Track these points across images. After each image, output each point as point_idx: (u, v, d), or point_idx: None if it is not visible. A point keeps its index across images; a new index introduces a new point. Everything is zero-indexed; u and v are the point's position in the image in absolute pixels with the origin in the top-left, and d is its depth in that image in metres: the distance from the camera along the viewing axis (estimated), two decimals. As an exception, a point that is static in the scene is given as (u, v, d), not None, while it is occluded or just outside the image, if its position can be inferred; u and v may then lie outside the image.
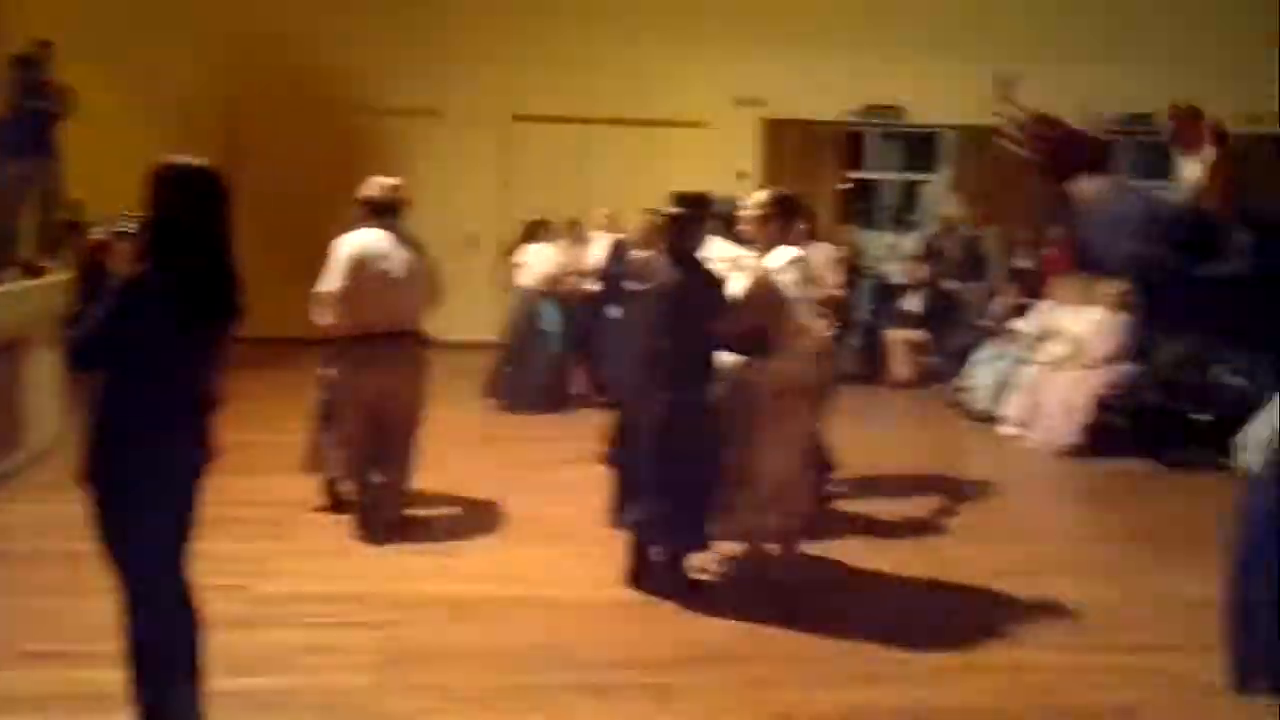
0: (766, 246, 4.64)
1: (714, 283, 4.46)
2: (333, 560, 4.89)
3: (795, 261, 4.53)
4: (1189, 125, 7.76)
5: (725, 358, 4.51)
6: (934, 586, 4.80)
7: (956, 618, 4.45)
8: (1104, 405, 7.58)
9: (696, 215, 4.59)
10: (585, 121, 11.82)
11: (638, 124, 11.87)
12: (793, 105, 11.78)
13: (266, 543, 5.04)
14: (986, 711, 3.63)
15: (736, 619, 4.28)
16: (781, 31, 11.43)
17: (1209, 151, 7.50)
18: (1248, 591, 1.50)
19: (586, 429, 7.61)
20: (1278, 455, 1.49)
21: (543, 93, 11.71)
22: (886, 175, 14.01)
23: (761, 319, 4.43)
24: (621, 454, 4.58)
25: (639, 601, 4.47)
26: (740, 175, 11.83)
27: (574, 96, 11.67)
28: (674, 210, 4.60)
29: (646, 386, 4.43)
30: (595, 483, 4.84)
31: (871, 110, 12.05)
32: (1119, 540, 5.66)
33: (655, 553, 4.59)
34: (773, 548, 4.77)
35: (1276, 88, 9.56)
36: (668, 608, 4.39)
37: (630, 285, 4.58)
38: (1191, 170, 7.63)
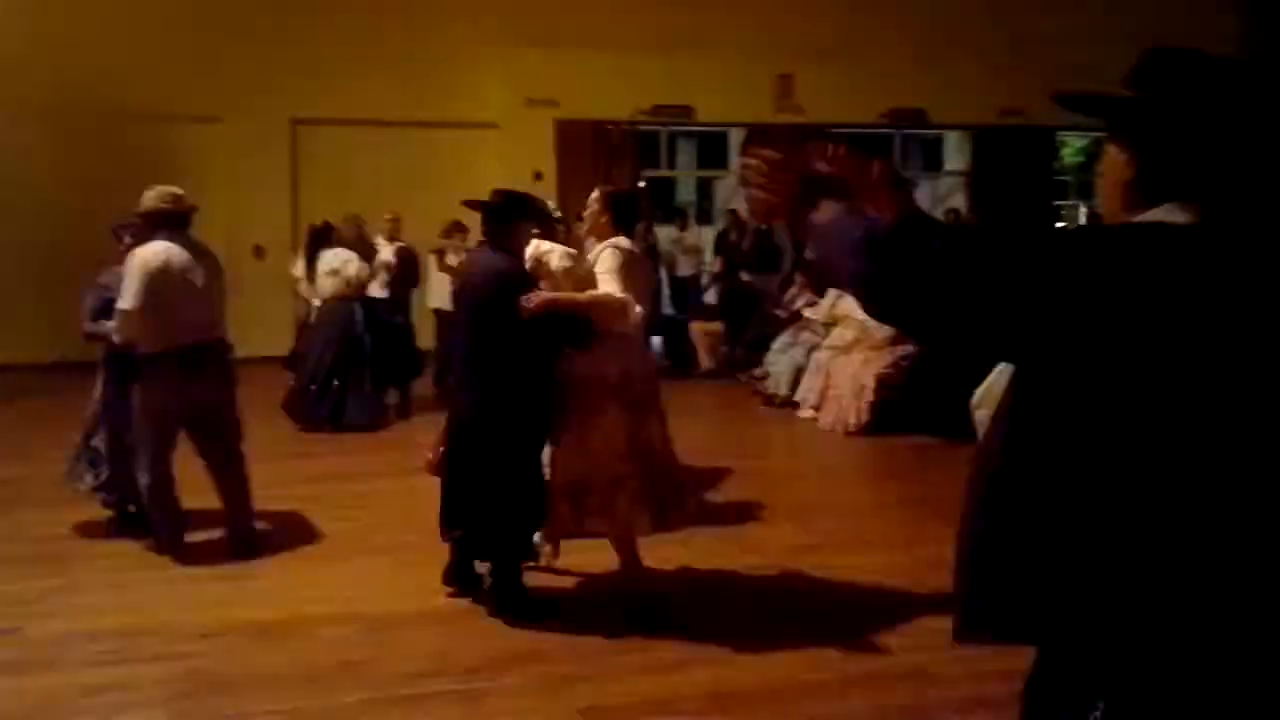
0: (602, 242, 4.53)
1: (528, 279, 4.36)
2: (113, 593, 4.58)
3: (610, 249, 4.38)
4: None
5: (548, 354, 4.36)
6: (737, 569, 4.94)
7: (761, 598, 4.60)
8: (888, 385, 8.01)
9: (513, 212, 4.49)
10: (373, 123, 11.52)
11: (428, 126, 11.69)
12: (585, 106, 11.88)
13: (37, 581, 4.68)
14: (785, 688, 3.75)
15: (550, 620, 4.28)
16: (572, 33, 11.51)
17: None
18: (966, 543, 1.61)
19: (389, 441, 7.58)
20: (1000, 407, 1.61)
21: (327, 95, 11.36)
22: (680, 173, 14.36)
23: (585, 312, 4.28)
24: (448, 462, 4.47)
25: (449, 610, 4.40)
26: (536, 176, 11.87)
27: (360, 99, 11.39)
28: (489, 204, 4.46)
29: (462, 390, 4.37)
30: (400, 494, 4.73)
31: (662, 110, 12.29)
32: (909, 509, 5.99)
33: (480, 564, 4.51)
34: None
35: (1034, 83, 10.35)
36: (479, 614, 4.34)
37: (454, 286, 4.47)
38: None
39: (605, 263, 4.31)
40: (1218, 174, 1.54)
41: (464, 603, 4.43)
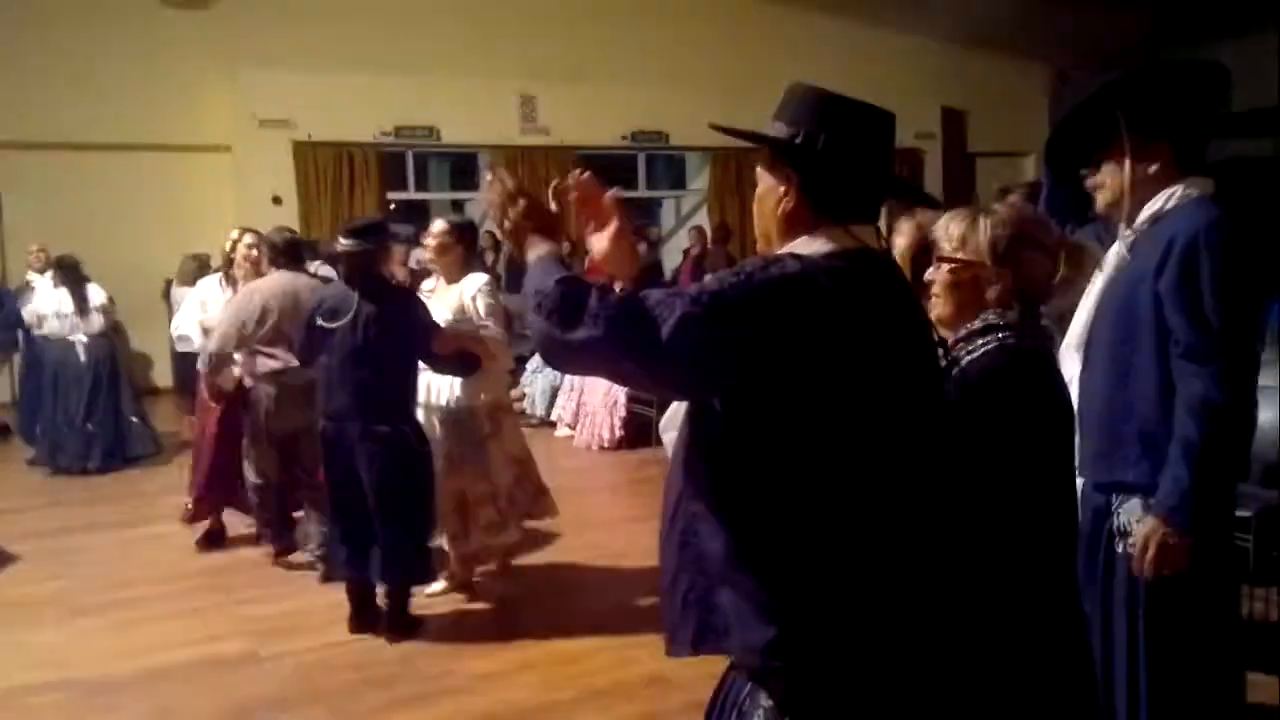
0: (448, 274, 4.72)
1: (415, 309, 4.40)
2: None
3: (485, 287, 4.66)
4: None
5: (432, 383, 4.61)
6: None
7: (509, 615, 4.61)
8: (639, 400, 8.19)
9: (381, 243, 4.41)
10: (91, 148, 10.67)
11: (155, 149, 10.96)
12: (324, 127, 11.47)
13: None
14: (531, 707, 3.75)
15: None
16: (304, 51, 11.08)
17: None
18: (663, 561, 1.68)
19: (149, 485, 7.05)
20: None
21: (38, 117, 10.44)
22: (431, 195, 14.13)
23: (464, 342, 4.46)
24: (334, 496, 4.40)
25: (169, 668, 4.14)
26: (275, 200, 11.39)
27: (76, 121, 10.53)
28: (354, 242, 4.28)
29: (352, 422, 4.20)
30: (111, 548, 4.41)
31: (405, 131, 12.07)
32: (654, 523, 6.10)
33: (379, 593, 4.46)
34: (490, 567, 5.00)
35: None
36: (203, 670, 4.10)
37: (322, 322, 4.26)
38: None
39: (486, 300, 4.61)
40: (867, 203, 1.67)
41: (185, 657, 4.18)
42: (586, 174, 1.75)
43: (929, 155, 14.68)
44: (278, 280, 5.01)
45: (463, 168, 14.04)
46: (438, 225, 4.77)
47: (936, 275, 1.95)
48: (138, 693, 3.91)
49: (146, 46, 10.85)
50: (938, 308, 1.94)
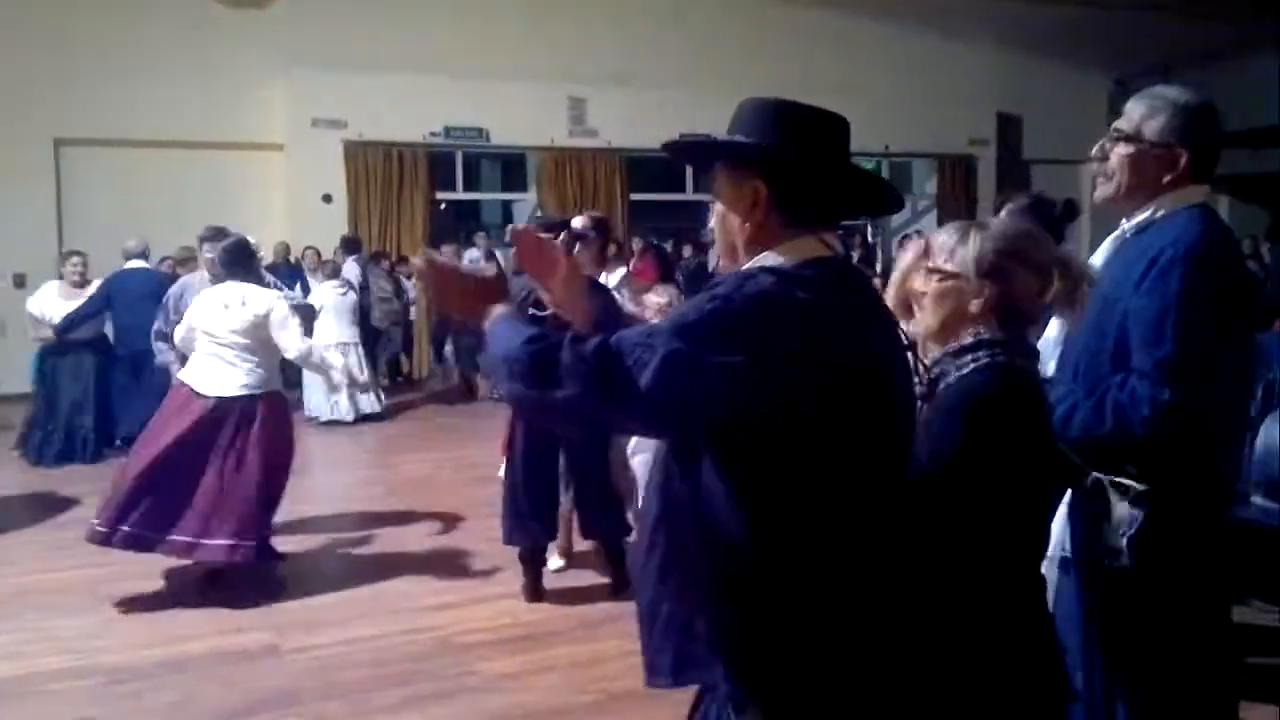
0: (588, 267, 4.65)
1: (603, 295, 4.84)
2: None
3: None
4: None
5: None
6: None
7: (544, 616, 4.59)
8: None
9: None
10: (149, 145, 10.90)
11: (209, 147, 11.16)
12: (375, 127, 11.61)
13: None
14: (547, 709, 3.73)
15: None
16: (360, 52, 11.24)
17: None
18: (640, 590, 1.66)
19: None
20: None
21: (94, 114, 10.68)
22: (481, 195, 14.23)
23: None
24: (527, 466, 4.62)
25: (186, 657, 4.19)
26: (326, 198, 11.56)
27: (134, 118, 10.75)
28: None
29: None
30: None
31: (455, 131, 12.16)
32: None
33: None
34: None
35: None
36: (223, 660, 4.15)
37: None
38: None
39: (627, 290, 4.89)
40: (832, 209, 1.63)
41: (207, 648, 4.23)
42: (523, 227, 1.72)
43: (983, 161, 14.47)
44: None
45: (511, 169, 14.09)
46: (579, 220, 4.89)
47: (926, 285, 1.89)
48: (158, 681, 3.96)
49: (203, 46, 11.05)
50: (924, 319, 1.88)
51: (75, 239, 9.72)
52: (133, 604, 4.73)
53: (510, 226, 1.63)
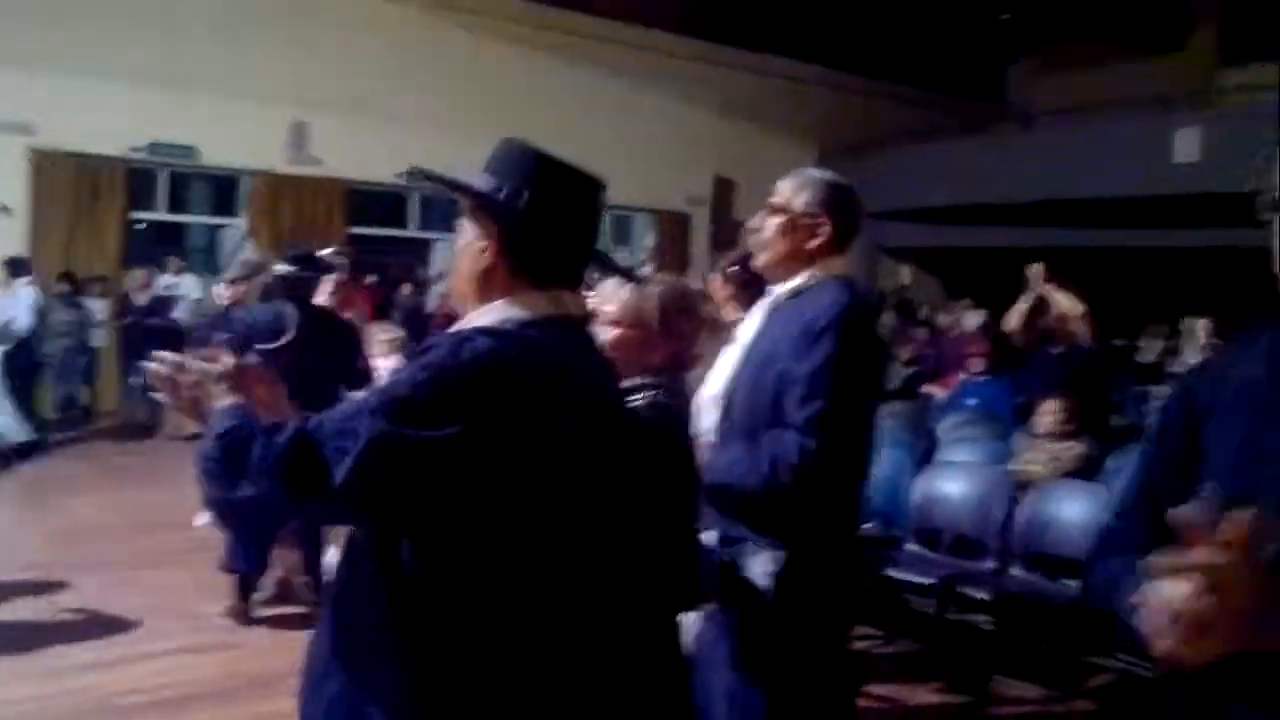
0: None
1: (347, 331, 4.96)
2: None
3: None
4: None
5: None
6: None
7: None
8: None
9: (314, 270, 4.92)
10: None
11: None
12: (68, 136, 10.60)
13: None
14: None
15: None
16: (55, 51, 10.24)
17: None
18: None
19: None
20: None
21: None
22: (183, 218, 13.34)
23: None
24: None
25: None
26: (3, 209, 10.49)
27: None
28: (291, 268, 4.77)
29: None
30: None
31: (161, 148, 11.37)
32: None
33: None
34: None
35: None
36: None
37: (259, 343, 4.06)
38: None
39: None
40: (569, 267, 1.61)
41: None
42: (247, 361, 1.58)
43: (697, 219, 15.23)
44: None
45: (225, 191, 13.29)
46: (327, 251, 5.46)
47: (606, 335, 2.02)
48: None
49: None
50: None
51: None
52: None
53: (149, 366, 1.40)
